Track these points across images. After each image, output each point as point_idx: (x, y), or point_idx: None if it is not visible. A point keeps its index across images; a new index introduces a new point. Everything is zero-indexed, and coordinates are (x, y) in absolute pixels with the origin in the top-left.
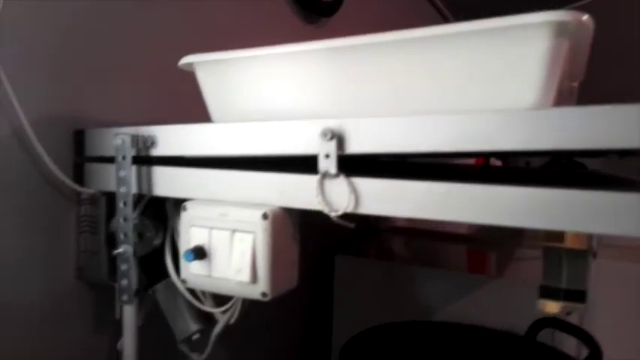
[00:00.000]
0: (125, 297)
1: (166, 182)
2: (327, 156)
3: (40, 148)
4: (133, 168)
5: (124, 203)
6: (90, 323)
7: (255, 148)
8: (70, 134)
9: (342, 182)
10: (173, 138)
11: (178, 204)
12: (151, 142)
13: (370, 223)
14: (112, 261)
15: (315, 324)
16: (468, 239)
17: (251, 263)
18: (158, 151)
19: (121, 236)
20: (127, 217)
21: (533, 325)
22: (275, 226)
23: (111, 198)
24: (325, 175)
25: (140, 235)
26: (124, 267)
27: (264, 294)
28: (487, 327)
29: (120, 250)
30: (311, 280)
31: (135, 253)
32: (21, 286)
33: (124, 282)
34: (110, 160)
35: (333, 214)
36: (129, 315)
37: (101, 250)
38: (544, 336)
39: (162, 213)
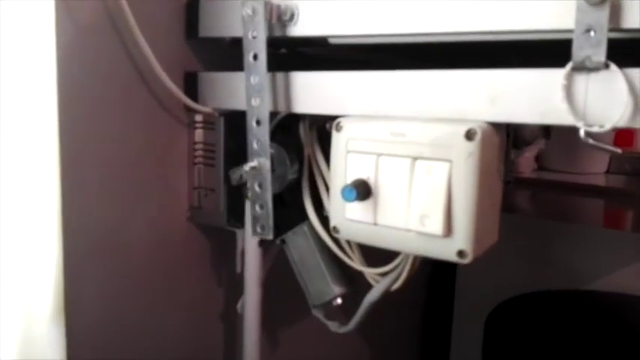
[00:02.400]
0: (258, 230)
1: (308, 93)
2: (589, 32)
3: (145, 46)
4: (268, 76)
5: (260, 100)
6: (202, 277)
7: (454, 23)
8: (181, 31)
9: (613, 77)
10: (320, 9)
11: (316, 125)
12: (289, 16)
13: None
14: (233, 200)
15: (438, 275)
16: (607, 192)
17: (445, 207)
18: (298, 30)
19: (254, 145)
20: (260, 120)
21: None
22: (484, 150)
23: (231, 120)
24: (581, 67)
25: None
26: (257, 189)
27: (462, 253)
28: None
29: (253, 163)
30: None
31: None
32: (120, 231)
33: (259, 209)
34: (232, 64)
35: (592, 130)
36: (254, 268)
37: (219, 187)
38: None
39: (295, 140)
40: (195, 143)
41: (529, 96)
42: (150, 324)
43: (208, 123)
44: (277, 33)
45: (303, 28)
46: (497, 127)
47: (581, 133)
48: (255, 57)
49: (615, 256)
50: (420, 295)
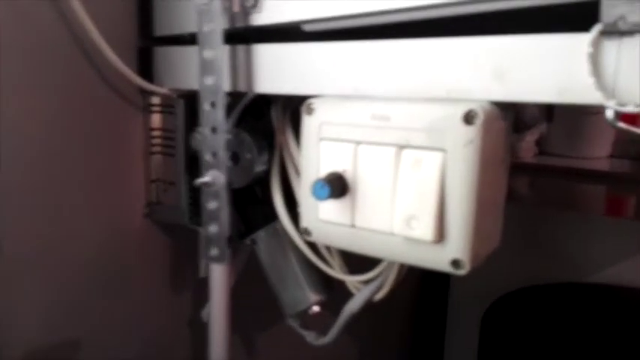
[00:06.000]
0: (215, 252)
1: (274, 69)
2: None
3: (84, 17)
4: (226, 49)
5: (212, 104)
6: (164, 281)
7: None
8: (130, 4)
9: None
10: None
11: (290, 109)
12: (253, 1)
13: None
14: (196, 194)
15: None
16: (611, 177)
17: (436, 207)
18: (264, 18)
19: (208, 157)
20: (216, 127)
21: None
22: (487, 137)
23: (192, 102)
24: (612, 30)
25: (235, 158)
26: (211, 205)
27: (456, 263)
28: None
29: (205, 179)
30: None
31: (228, 184)
32: (66, 231)
33: (213, 228)
34: (190, 41)
35: (626, 110)
36: (220, 275)
37: (179, 179)
38: None
39: (267, 126)
40: (151, 130)
41: (545, 69)
42: (104, 338)
43: (166, 106)
44: (239, 23)
45: (269, 15)
46: (502, 108)
47: (609, 114)
48: (210, 29)
49: (618, 246)
50: (412, 289)
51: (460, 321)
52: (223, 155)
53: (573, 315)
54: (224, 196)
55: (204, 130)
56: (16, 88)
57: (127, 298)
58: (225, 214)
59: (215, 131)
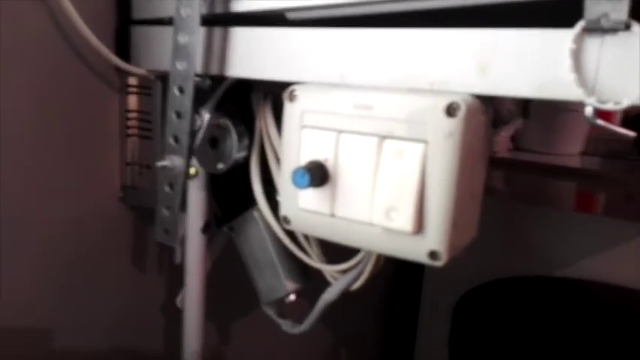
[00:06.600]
0: (162, 234)
1: (255, 54)
2: None
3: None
4: (202, 31)
5: (180, 89)
6: (136, 266)
7: None
8: None
9: (634, 41)
10: None
11: (271, 95)
12: None
13: None
14: None
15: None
16: (580, 174)
17: (416, 198)
18: (244, 5)
19: (170, 141)
20: (181, 112)
21: None
22: (468, 129)
23: None
24: (595, 27)
25: (214, 143)
26: (167, 189)
27: (434, 254)
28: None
29: (164, 162)
30: None
31: (187, 170)
32: (37, 212)
33: (166, 212)
34: (169, 22)
35: (606, 107)
36: (195, 262)
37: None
38: None
39: (248, 112)
40: (128, 111)
41: (527, 63)
42: (73, 323)
43: (143, 87)
44: (219, 10)
45: (252, 1)
46: (484, 101)
47: (588, 111)
48: (188, 14)
49: (587, 241)
50: (386, 279)
51: (432, 311)
52: (185, 141)
53: (542, 308)
54: (180, 182)
55: (169, 114)
56: None
57: (100, 283)
58: (178, 199)
59: (179, 116)
